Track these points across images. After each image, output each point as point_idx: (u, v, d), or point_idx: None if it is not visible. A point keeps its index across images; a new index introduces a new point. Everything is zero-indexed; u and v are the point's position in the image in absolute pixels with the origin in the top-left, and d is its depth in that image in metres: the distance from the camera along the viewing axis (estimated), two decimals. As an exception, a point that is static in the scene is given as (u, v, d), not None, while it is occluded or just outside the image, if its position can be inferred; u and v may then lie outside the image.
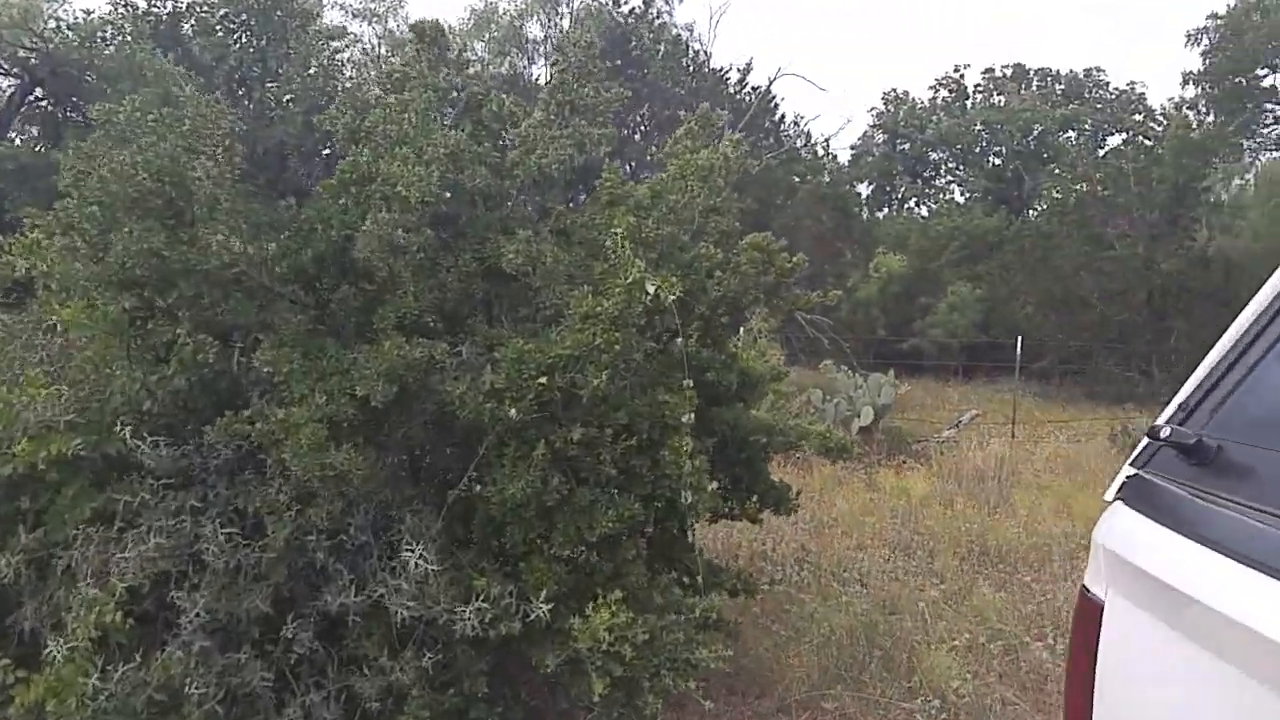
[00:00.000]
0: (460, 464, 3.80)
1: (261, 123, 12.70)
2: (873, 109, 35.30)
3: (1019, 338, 14.64)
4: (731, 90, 22.07)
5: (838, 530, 8.16)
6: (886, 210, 34.27)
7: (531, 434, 3.52)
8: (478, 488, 3.54)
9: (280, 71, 14.14)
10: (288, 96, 13.56)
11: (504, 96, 4.48)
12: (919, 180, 34.92)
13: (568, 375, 3.49)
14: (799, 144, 23.61)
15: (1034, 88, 32.78)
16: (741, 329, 8.60)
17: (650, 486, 3.94)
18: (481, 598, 3.38)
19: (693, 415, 3.72)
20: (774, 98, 20.75)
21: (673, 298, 3.69)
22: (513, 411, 3.28)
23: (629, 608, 3.67)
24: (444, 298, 4.04)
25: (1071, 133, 30.51)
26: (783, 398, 9.29)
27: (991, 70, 33.45)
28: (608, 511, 3.73)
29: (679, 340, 4.06)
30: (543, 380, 3.40)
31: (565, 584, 3.71)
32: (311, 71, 14.18)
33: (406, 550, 3.33)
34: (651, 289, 3.70)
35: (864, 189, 34.40)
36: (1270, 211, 23.06)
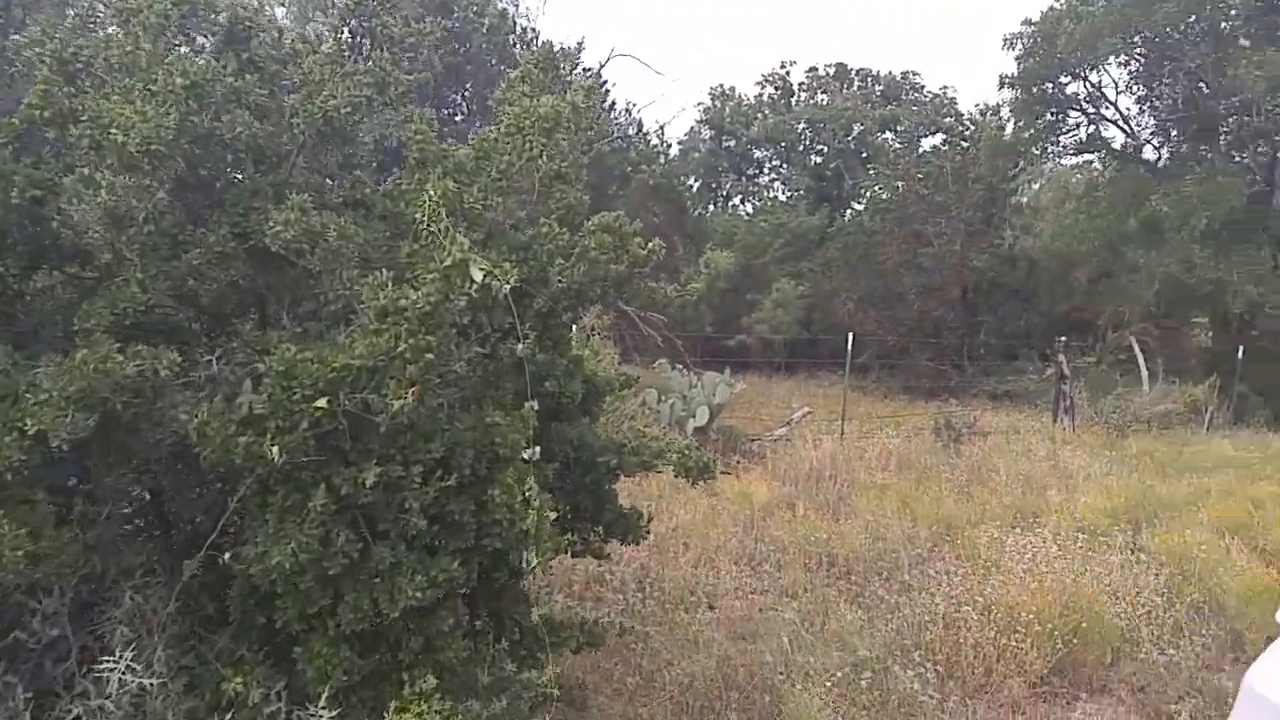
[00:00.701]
0: (211, 517, 2.77)
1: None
2: (699, 104, 35.41)
3: (850, 334, 14.64)
4: (561, 71, 21.24)
5: (679, 544, 7.52)
6: (713, 207, 34.47)
7: (307, 477, 2.56)
8: (229, 553, 2.54)
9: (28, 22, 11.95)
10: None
11: (281, 26, 3.44)
12: (744, 177, 35.33)
13: (359, 395, 2.55)
14: (631, 132, 23.06)
15: (855, 88, 33.82)
16: (574, 327, 7.80)
17: (474, 537, 3.06)
18: (231, 709, 2.39)
19: (536, 448, 2.87)
20: (605, 81, 20.05)
21: (507, 288, 2.83)
22: (274, 449, 2.31)
23: (446, 696, 2.79)
24: (198, 288, 2.98)
25: (890, 133, 31.66)
26: (618, 400, 8.57)
27: (815, 69, 34.27)
28: (415, 576, 2.83)
29: (518, 344, 3.20)
30: (322, 403, 2.45)
31: (358, 671, 2.78)
32: (68, 23, 12.05)
33: (117, 650, 2.29)
34: (479, 275, 2.82)
35: (692, 184, 34.47)
36: (1060, 217, 24.68)
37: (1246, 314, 16.70)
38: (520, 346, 2.91)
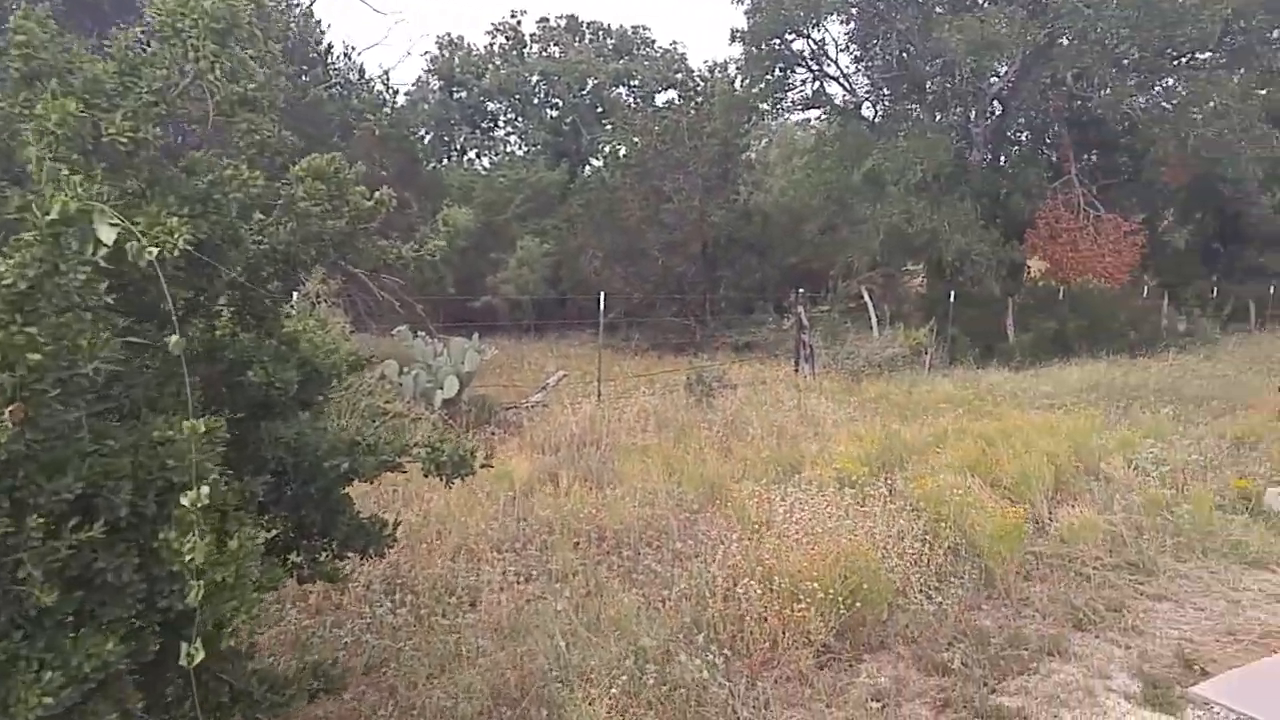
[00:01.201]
0: None
1: None
2: (427, 53, 33.53)
3: (601, 293, 14.23)
4: (270, 8, 18.95)
5: (433, 534, 6.69)
6: (447, 161, 32.92)
7: None
8: None
9: None
10: None
11: None
12: (478, 130, 34.01)
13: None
14: (353, 78, 21.16)
15: (587, 40, 33.40)
16: (295, 294, 6.66)
17: (141, 600, 2.14)
18: None
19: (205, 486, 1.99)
20: (319, 21, 18.12)
21: (152, 254, 1.91)
22: None
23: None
24: None
25: (624, 88, 31.58)
26: (353, 377, 7.50)
27: (546, 20, 33.44)
28: (46, 671, 1.90)
29: (209, 324, 2.27)
30: None
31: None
32: None
33: None
34: (108, 235, 1.90)
35: (423, 137, 32.65)
36: (789, 172, 25.83)
37: (957, 261, 18.22)
38: (176, 338, 1.99)
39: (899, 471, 8.23)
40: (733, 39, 21.03)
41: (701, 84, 27.30)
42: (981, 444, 8.77)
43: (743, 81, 22.81)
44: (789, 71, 21.73)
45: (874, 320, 17.84)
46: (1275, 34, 19.12)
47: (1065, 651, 5.36)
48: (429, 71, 33.91)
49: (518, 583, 6.03)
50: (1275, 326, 24.39)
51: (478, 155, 34.06)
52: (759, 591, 5.14)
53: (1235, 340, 22.11)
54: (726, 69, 25.64)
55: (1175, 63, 19.53)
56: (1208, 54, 19.46)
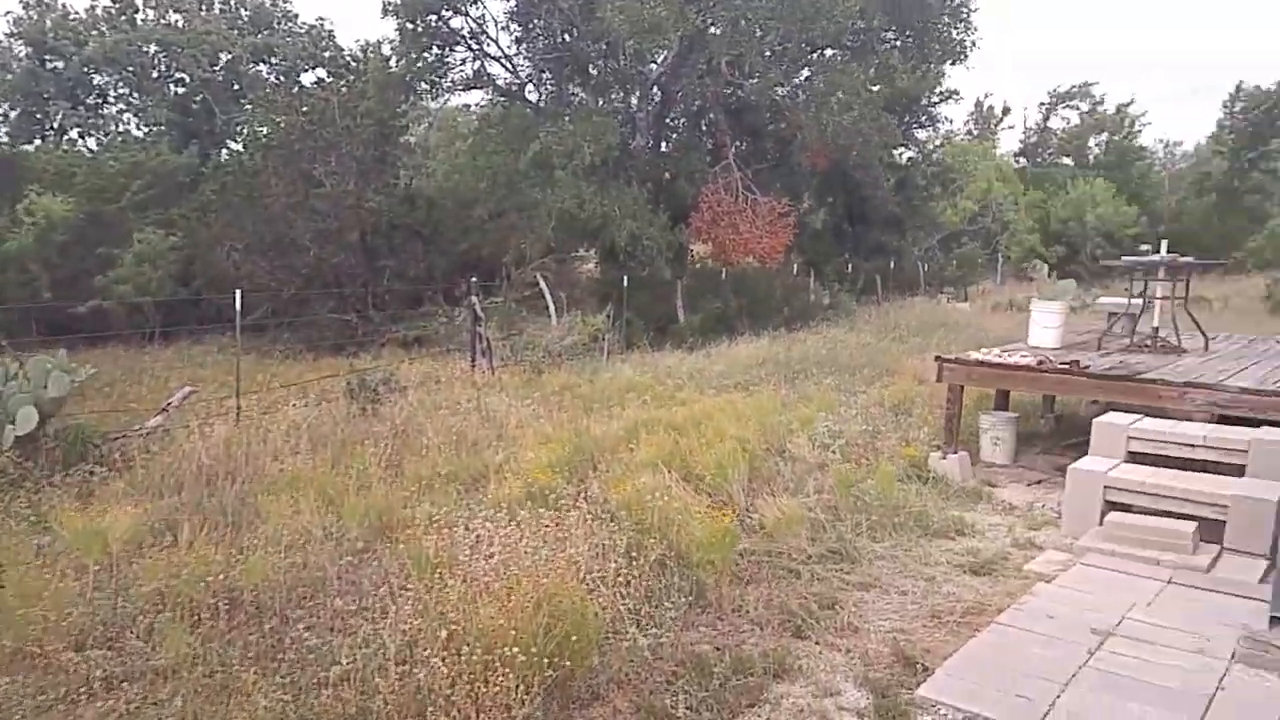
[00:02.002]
0: None
1: None
2: (8, 14, 27.85)
3: (238, 291, 12.08)
4: None
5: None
6: (40, 141, 27.62)
7: None
8: None
9: None
10: None
11: None
12: (81, 107, 28.91)
13: None
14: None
15: (217, 10, 29.54)
16: None
17: None
18: None
19: None
20: None
21: None
22: None
23: None
24: None
25: (264, 65, 28.33)
26: None
27: (160, -18, 29.09)
28: None
29: None
30: None
31: None
32: None
33: None
34: None
35: (7, 113, 27.20)
36: (453, 155, 24.51)
37: (629, 246, 18.08)
38: None
39: (593, 474, 7.47)
40: (385, 13, 19.29)
41: (354, 62, 25.10)
42: (674, 435, 8.28)
43: (398, 60, 21.10)
44: (448, 50, 20.39)
45: (551, 308, 17.22)
46: (890, 34, 21.07)
47: (791, 669, 4.83)
48: (12, 35, 28.23)
49: (103, 691, 4.39)
50: (896, 298, 27.38)
51: (81, 136, 28.91)
52: (443, 666, 4.03)
53: (869, 312, 24.43)
54: (380, 47, 23.69)
55: (813, 55, 20.88)
56: (839, 49, 21.03)
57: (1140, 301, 9.54)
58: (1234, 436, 6.53)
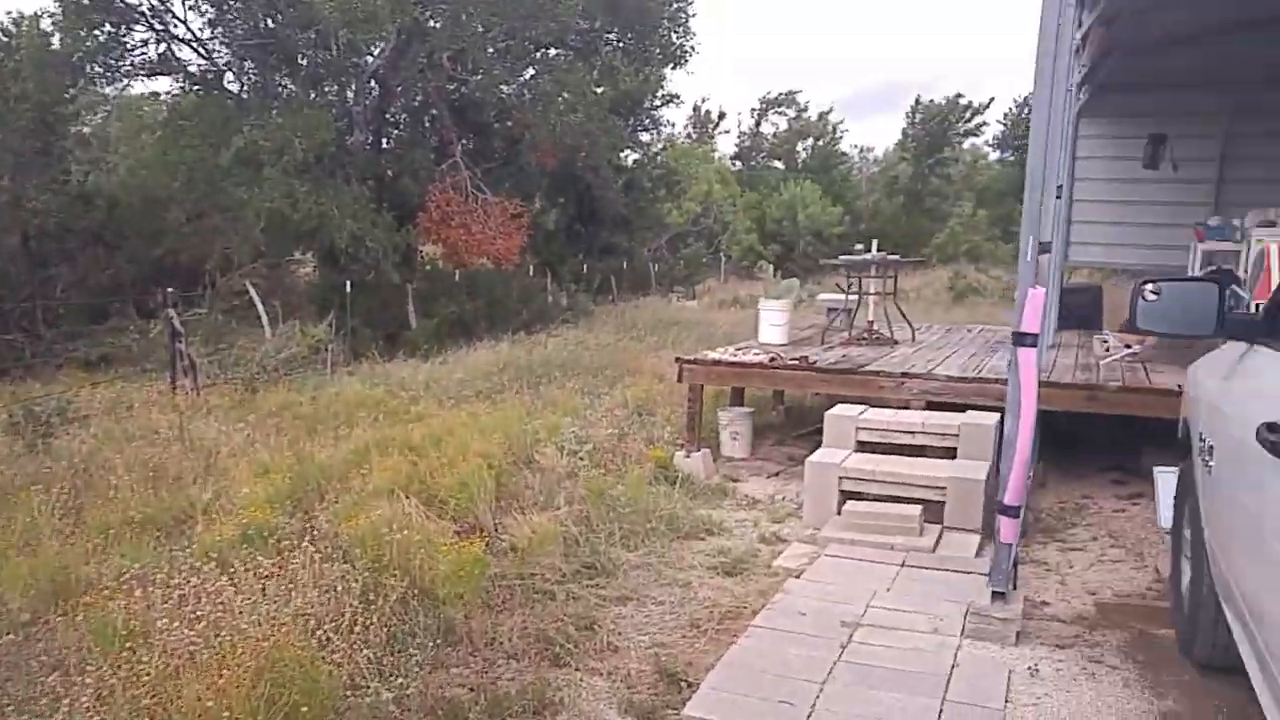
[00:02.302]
0: None
1: None
2: None
3: None
4: None
5: None
6: None
7: None
8: None
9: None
10: None
11: None
12: None
13: None
14: None
15: None
16: None
17: None
18: None
19: None
20: None
21: None
22: None
23: None
24: None
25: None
26: None
27: None
28: None
29: None
30: None
31: None
32: None
33: None
34: None
35: None
36: (138, 148, 21.80)
37: (350, 248, 16.91)
38: None
39: (320, 506, 6.72)
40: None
41: (5, 38, 21.58)
42: (411, 456, 7.67)
43: (62, 37, 18.33)
44: (124, 28, 17.97)
45: (264, 318, 15.70)
46: (612, 36, 21.38)
47: (551, 703, 4.48)
48: None
49: None
50: (630, 297, 28.01)
51: None
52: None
53: (605, 311, 24.76)
54: (39, 21, 20.51)
55: (538, 54, 20.70)
56: (563, 49, 21.02)
57: (856, 297, 10.18)
58: (947, 422, 7.03)
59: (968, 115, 48.26)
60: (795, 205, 40.28)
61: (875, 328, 10.09)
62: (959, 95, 48.05)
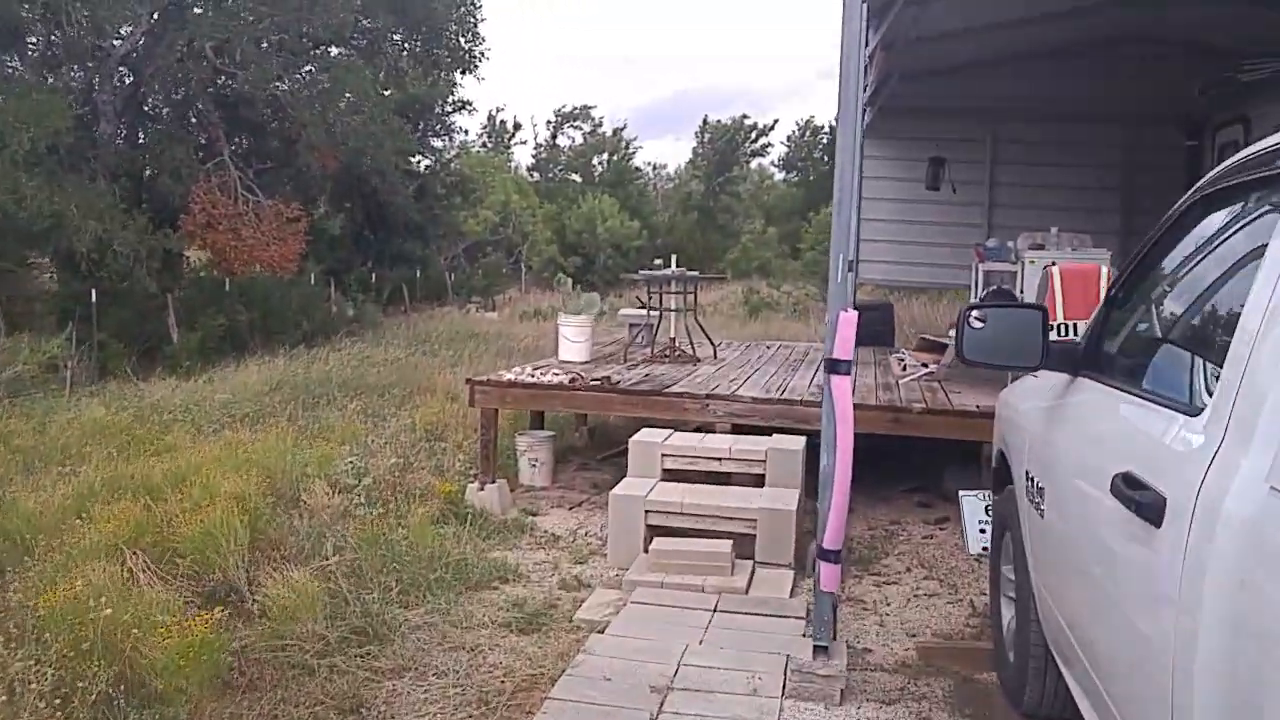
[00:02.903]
0: None
1: None
2: None
3: None
4: None
5: None
6: None
7: None
8: None
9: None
10: None
11: None
12: None
13: None
14: None
15: None
16: None
17: None
18: None
19: None
20: None
21: None
22: None
23: None
24: None
25: None
26: None
27: None
28: None
29: None
30: None
31: None
32: None
33: None
34: None
35: None
36: None
37: (95, 253, 14.78)
38: None
39: (19, 571, 5.42)
40: None
41: None
42: (146, 501, 6.44)
43: None
44: None
45: (-15, 333, 13.42)
46: (398, 36, 20.21)
47: (302, 823, 3.63)
48: None
49: None
50: (424, 308, 26.67)
51: None
52: None
53: (396, 323, 23.37)
54: None
55: (317, 50, 19.20)
56: (343, 47, 19.67)
57: (657, 313, 9.79)
58: (753, 447, 6.68)
59: (753, 136, 50.28)
60: (594, 218, 40.21)
61: (677, 344, 9.75)
62: (744, 116, 50.06)
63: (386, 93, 20.37)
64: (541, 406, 8.50)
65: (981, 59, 10.67)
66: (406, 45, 19.91)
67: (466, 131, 38.20)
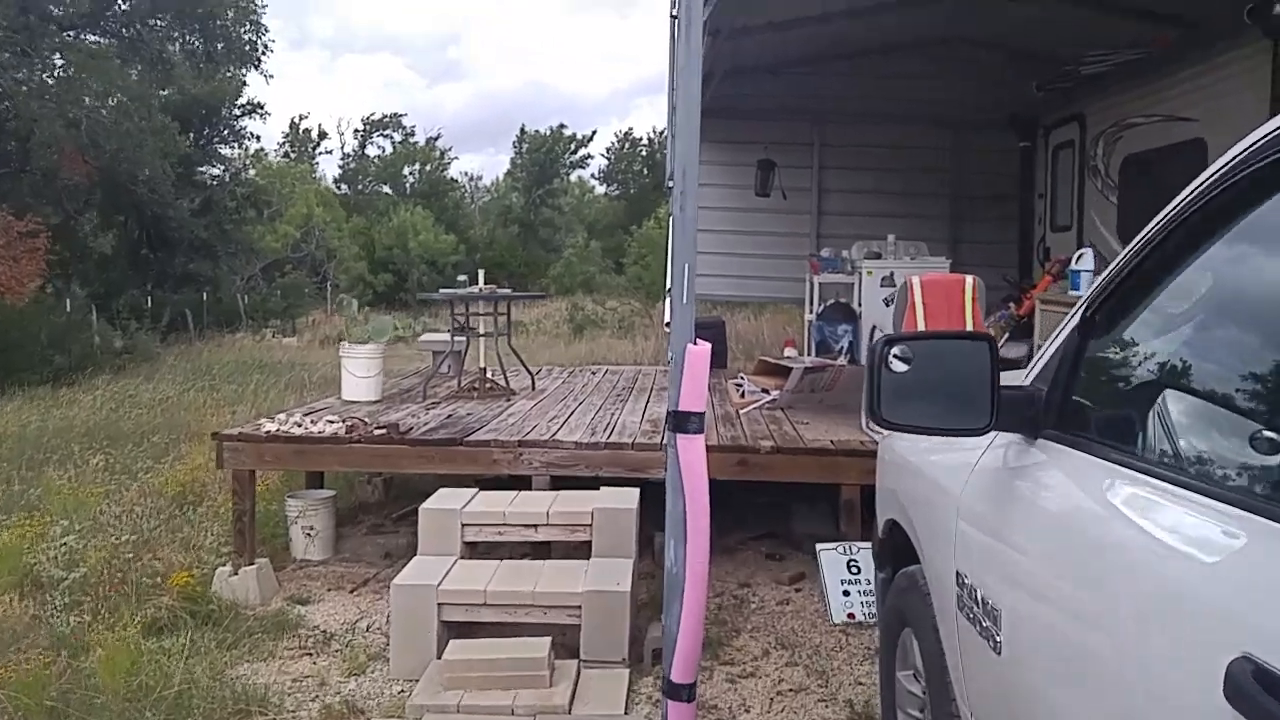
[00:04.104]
0: None
1: None
2: None
3: None
4: None
5: None
6: None
7: None
8: None
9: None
10: None
11: None
12: None
13: None
14: None
15: None
16: None
17: None
18: None
19: None
20: None
21: None
22: None
23: None
24: None
25: None
26: None
27: None
28: None
29: None
30: None
31: None
32: None
33: None
34: None
35: None
36: None
37: None
38: None
39: None
40: None
41: None
42: None
43: None
44: None
45: None
46: (160, 22, 17.77)
47: None
48: None
49: None
50: (214, 334, 23.83)
51: None
52: None
53: (177, 353, 20.63)
54: None
55: (61, 37, 16.47)
56: (98, 38, 17.06)
57: (464, 338, 8.38)
58: (577, 508, 5.42)
59: (573, 147, 49.34)
60: (406, 232, 37.95)
61: (489, 375, 8.37)
62: (562, 126, 48.97)
63: (164, 92, 17.85)
64: (308, 465, 6.88)
65: (809, 54, 9.97)
66: (177, 34, 17.41)
67: (259, 138, 35.10)
